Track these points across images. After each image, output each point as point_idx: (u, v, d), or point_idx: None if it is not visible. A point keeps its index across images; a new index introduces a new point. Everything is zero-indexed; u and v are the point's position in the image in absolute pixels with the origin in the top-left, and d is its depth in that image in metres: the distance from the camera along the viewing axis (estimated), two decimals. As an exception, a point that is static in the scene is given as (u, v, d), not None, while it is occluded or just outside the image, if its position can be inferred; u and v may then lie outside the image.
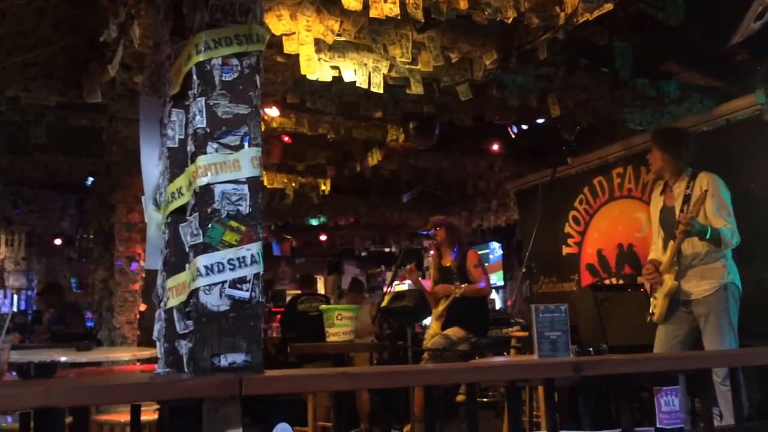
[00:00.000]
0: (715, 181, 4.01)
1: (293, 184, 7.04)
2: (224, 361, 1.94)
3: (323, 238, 10.84)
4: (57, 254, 11.64)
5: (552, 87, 4.94)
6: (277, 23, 3.84)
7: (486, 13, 3.71)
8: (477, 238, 11.58)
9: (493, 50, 4.28)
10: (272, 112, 5.15)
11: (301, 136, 5.82)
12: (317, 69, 4.11)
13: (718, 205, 3.97)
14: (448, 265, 5.71)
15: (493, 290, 10.90)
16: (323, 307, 5.69)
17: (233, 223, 2.01)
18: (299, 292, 8.56)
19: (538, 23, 3.84)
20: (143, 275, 6.12)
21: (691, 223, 3.81)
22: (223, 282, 1.97)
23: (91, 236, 7.21)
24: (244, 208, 2.03)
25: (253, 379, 1.85)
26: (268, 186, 6.99)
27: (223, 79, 2.05)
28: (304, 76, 4.29)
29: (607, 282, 6.15)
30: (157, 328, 2.16)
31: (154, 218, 2.24)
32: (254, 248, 2.03)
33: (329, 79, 4.35)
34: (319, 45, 4.05)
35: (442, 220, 5.90)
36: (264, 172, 6.83)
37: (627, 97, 5.21)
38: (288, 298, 10.82)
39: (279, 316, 9.28)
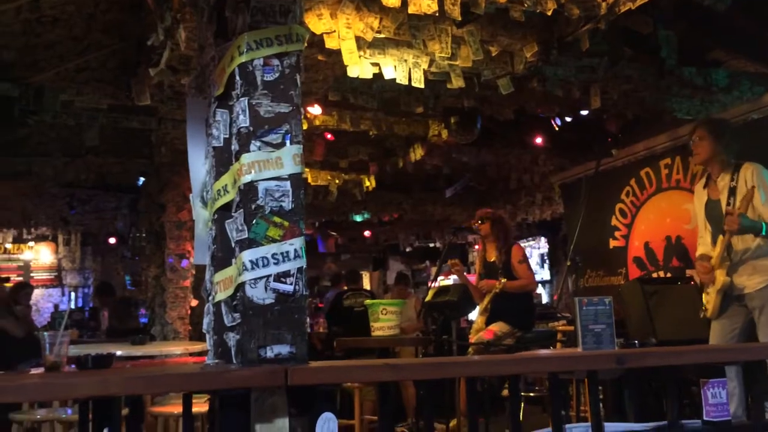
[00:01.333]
0: (760, 171, 3.92)
1: (336, 181, 7.11)
2: (270, 352, 2.00)
3: (367, 234, 10.91)
4: (111, 253, 12.01)
5: (595, 78, 4.89)
6: (317, 22, 3.90)
7: (526, 5, 3.70)
8: (523, 233, 11.50)
9: (533, 42, 4.26)
10: (314, 110, 5.22)
11: (343, 133, 5.89)
12: (359, 62, 4.15)
13: (766, 196, 3.88)
14: (492, 260, 5.69)
15: (540, 285, 10.82)
16: (368, 301, 5.74)
17: (276, 219, 2.06)
18: (345, 287, 8.64)
19: (579, 14, 3.81)
20: (193, 272, 6.28)
21: (737, 221, 3.74)
22: (268, 276, 2.04)
23: (144, 235, 7.44)
24: (287, 204, 2.09)
25: (299, 370, 1.91)
26: (312, 183, 7.08)
27: (265, 78, 2.11)
28: (345, 73, 4.35)
29: (654, 275, 6.05)
30: (207, 321, 2.23)
31: (201, 215, 2.32)
32: (297, 243, 2.08)
33: (370, 75, 4.39)
34: (359, 42, 4.10)
35: (489, 214, 5.82)
36: (308, 170, 7.01)
37: (673, 87, 5.11)
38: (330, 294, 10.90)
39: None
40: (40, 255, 11.81)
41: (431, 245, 11.89)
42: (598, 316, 3.03)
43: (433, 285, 5.86)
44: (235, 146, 2.14)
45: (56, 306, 10.48)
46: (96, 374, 1.85)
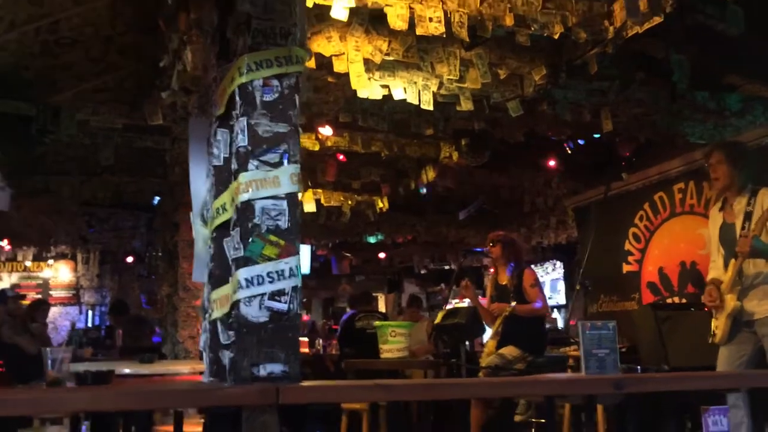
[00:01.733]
0: None
1: (349, 202, 7.14)
2: (263, 371, 2.01)
3: (382, 255, 10.91)
4: (129, 272, 12.12)
5: (606, 101, 4.89)
6: (326, 45, 3.96)
7: (533, 28, 3.72)
8: (537, 256, 11.42)
9: (542, 65, 4.28)
10: (326, 131, 5.27)
11: (355, 154, 5.92)
12: (367, 86, 4.20)
13: None
14: (504, 283, 5.65)
15: (555, 309, 10.72)
16: (377, 323, 5.73)
17: (273, 238, 2.08)
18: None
19: (586, 38, 3.82)
20: (205, 291, 6.31)
21: (749, 243, 3.69)
22: (263, 294, 2.05)
23: (159, 254, 7.51)
24: (283, 222, 2.11)
25: (290, 389, 1.91)
26: (325, 204, 7.12)
27: (264, 99, 2.15)
28: (356, 95, 4.39)
29: (669, 301, 5.97)
30: (203, 339, 2.25)
31: (201, 233, 2.34)
32: (293, 262, 2.10)
33: (379, 97, 4.44)
34: (369, 64, 4.15)
35: (500, 237, 5.79)
36: (320, 191, 7.05)
37: (685, 111, 5.09)
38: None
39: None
40: (59, 273, 11.95)
41: (446, 267, 11.84)
42: (601, 340, 3.00)
43: (446, 308, 5.83)
44: (234, 165, 2.17)
45: (73, 324, 10.57)
46: (90, 390, 1.87)
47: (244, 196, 2.09)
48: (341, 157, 6.22)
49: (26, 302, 8.84)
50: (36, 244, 10.02)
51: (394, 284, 13.07)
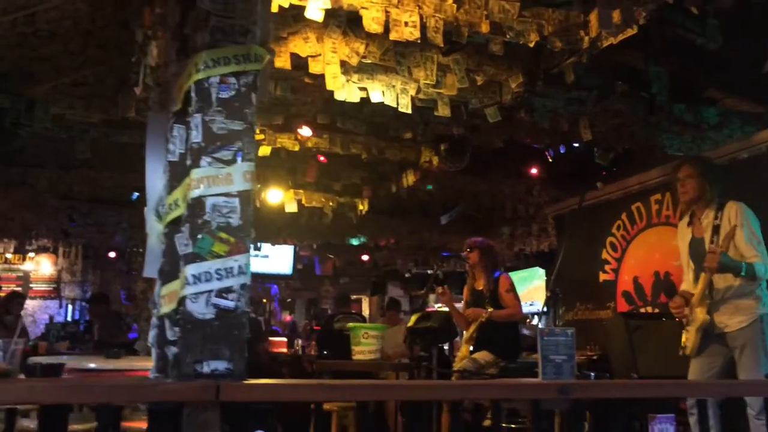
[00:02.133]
0: (744, 210, 3.91)
1: (331, 204, 7.14)
2: (207, 367, 2.00)
3: (365, 258, 10.90)
4: (110, 267, 12.06)
5: (584, 111, 4.90)
6: (303, 45, 3.96)
7: (508, 36, 3.73)
8: (521, 263, 11.44)
9: (519, 73, 4.29)
10: (305, 132, 5.27)
11: (336, 156, 5.92)
12: (344, 87, 4.20)
13: (748, 235, 3.87)
14: (480, 288, 5.66)
15: (536, 316, 10.72)
16: (350, 324, 5.73)
17: (222, 235, 2.08)
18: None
19: (562, 47, 3.83)
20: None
21: (717, 260, 3.72)
22: (210, 291, 2.04)
23: (140, 250, 7.47)
24: (235, 220, 2.11)
25: (231, 386, 1.90)
26: (306, 204, 7.12)
27: (220, 96, 2.14)
28: (334, 97, 4.40)
29: (642, 310, 6.00)
30: (152, 334, 2.24)
31: (155, 229, 2.34)
32: (242, 259, 2.09)
33: (357, 99, 4.44)
34: (347, 67, 4.15)
35: (477, 243, 5.82)
36: (301, 191, 7.03)
37: (663, 123, 5.12)
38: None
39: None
40: (41, 266, 11.89)
41: (429, 272, 11.85)
42: (559, 347, 3.01)
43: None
44: (188, 161, 2.17)
45: (51, 318, 10.50)
46: (25, 381, 1.86)
47: (195, 193, 2.08)
48: (322, 158, 6.21)
49: (2, 294, 8.79)
50: (17, 237, 9.95)
51: (378, 287, 13.06)
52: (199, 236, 2.06)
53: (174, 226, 2.19)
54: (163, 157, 2.34)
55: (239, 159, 2.14)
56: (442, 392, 2.03)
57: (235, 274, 2.07)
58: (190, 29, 2.22)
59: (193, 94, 2.15)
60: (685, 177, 4.11)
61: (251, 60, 2.18)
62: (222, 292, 2.05)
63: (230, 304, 2.05)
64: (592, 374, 2.67)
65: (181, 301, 2.05)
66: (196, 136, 2.11)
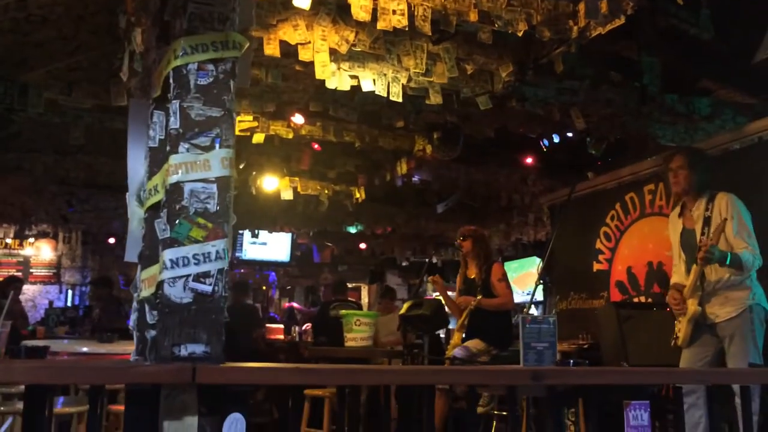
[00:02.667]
0: (734, 202, 3.92)
1: (326, 191, 7.16)
2: (184, 351, 2.03)
3: (363, 246, 10.94)
4: (110, 252, 12.11)
5: (575, 100, 4.91)
6: (293, 33, 3.97)
7: (497, 25, 3.74)
8: (518, 252, 11.47)
9: (509, 62, 4.29)
10: (297, 119, 5.28)
11: (330, 143, 5.94)
12: (335, 75, 4.21)
13: (738, 227, 3.88)
14: (473, 277, 5.70)
15: (533, 305, 10.77)
16: (343, 312, 5.77)
17: (200, 220, 2.11)
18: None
19: (551, 36, 3.84)
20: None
21: (711, 251, 3.74)
22: (188, 275, 2.07)
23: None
24: (212, 206, 2.13)
25: (207, 368, 1.94)
26: (302, 192, 7.14)
27: (199, 83, 2.16)
28: (325, 84, 4.41)
29: (636, 300, 6.03)
30: (133, 318, 2.28)
31: (136, 213, 2.37)
32: (220, 245, 2.12)
33: (347, 88, 4.45)
34: (337, 55, 4.16)
35: (470, 231, 5.85)
36: (297, 179, 7.05)
37: (655, 113, 5.12)
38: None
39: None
40: (41, 252, 11.95)
41: (427, 260, 11.87)
42: (541, 334, 3.04)
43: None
44: (167, 147, 2.19)
45: (51, 302, 10.57)
46: (9, 363, 1.89)
47: (173, 178, 2.11)
48: (316, 146, 6.23)
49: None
50: (16, 222, 10.00)
51: (377, 275, 13.11)
52: (177, 221, 2.09)
53: (154, 211, 2.22)
54: (144, 142, 2.37)
55: (217, 145, 2.16)
56: (417, 377, 2.06)
57: (213, 259, 2.10)
58: (170, 16, 2.24)
59: (171, 81, 2.17)
60: (677, 168, 4.12)
61: (229, 47, 2.20)
62: (199, 277, 2.08)
63: (207, 288, 2.08)
64: (571, 361, 2.70)
65: (160, 286, 2.08)
66: (175, 123, 2.14)
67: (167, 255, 2.07)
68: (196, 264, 2.08)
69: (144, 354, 2.16)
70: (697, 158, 4.17)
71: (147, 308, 2.17)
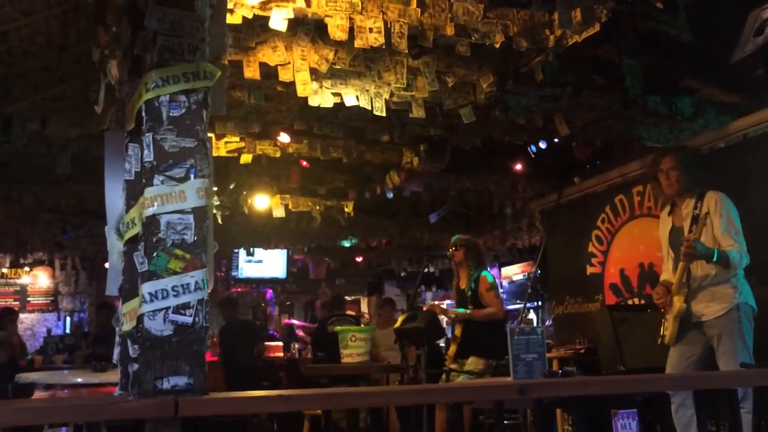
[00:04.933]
0: (723, 200, 3.93)
1: (318, 207, 7.17)
2: (167, 383, 2.03)
3: (359, 259, 10.93)
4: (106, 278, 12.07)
5: (558, 107, 4.93)
6: (272, 54, 3.98)
7: (473, 38, 3.76)
8: (515, 258, 11.47)
9: (489, 73, 4.31)
10: (283, 138, 5.29)
11: (318, 160, 5.95)
12: (314, 95, 4.23)
13: (726, 224, 3.88)
14: (463, 287, 5.69)
15: (531, 311, 10.75)
16: (338, 328, 5.77)
17: (178, 252, 2.11)
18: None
19: (528, 46, 3.86)
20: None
21: (693, 246, 3.74)
22: (167, 308, 2.07)
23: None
24: (189, 237, 2.14)
25: (190, 401, 1.94)
26: (293, 209, 7.15)
27: (171, 114, 2.17)
28: (308, 103, 4.42)
29: (630, 302, 6.03)
30: (117, 352, 2.27)
31: (116, 247, 2.37)
32: (198, 275, 2.12)
33: (330, 104, 4.46)
34: (317, 73, 4.17)
35: (462, 241, 5.82)
36: (287, 196, 7.06)
37: (638, 115, 5.14)
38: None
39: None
40: (38, 280, 11.93)
41: (425, 270, 11.87)
42: (530, 345, 3.04)
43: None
44: (143, 180, 2.20)
45: (49, 330, 10.55)
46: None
47: (149, 211, 2.11)
48: (305, 163, 6.24)
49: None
50: (12, 251, 9.99)
51: (375, 287, 13.10)
52: (155, 254, 2.09)
53: (132, 244, 2.23)
54: (121, 175, 2.37)
55: (192, 176, 2.17)
56: (402, 398, 2.06)
57: (192, 290, 2.10)
58: (139, 49, 2.25)
59: (144, 114, 2.18)
60: (668, 169, 4.10)
61: (201, 77, 2.21)
62: (179, 309, 2.08)
63: (188, 319, 2.08)
64: (560, 371, 2.70)
65: (140, 319, 2.08)
66: (149, 155, 2.14)
67: (146, 288, 2.07)
68: (175, 296, 2.08)
69: (127, 388, 2.15)
70: (689, 157, 4.16)
71: (129, 342, 2.17)
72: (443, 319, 6.39)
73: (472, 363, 5.35)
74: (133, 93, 2.28)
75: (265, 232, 8.42)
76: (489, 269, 5.89)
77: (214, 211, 6.08)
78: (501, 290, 8.99)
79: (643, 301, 5.83)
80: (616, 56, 5.13)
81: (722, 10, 4.47)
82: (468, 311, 5.43)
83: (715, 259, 3.76)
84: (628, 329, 5.01)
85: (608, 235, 6.36)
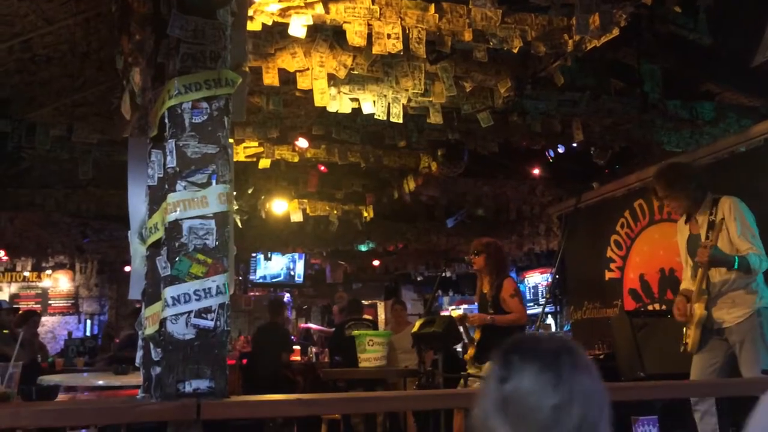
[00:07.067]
0: (736, 204, 3.90)
1: (335, 212, 7.20)
2: (189, 387, 2.06)
3: (376, 263, 10.95)
4: (127, 281, 12.18)
5: (577, 112, 4.91)
6: (291, 60, 4.02)
7: (491, 43, 3.76)
8: (533, 263, 11.43)
9: (507, 78, 4.31)
10: (302, 143, 5.33)
11: (336, 165, 5.98)
12: (332, 101, 4.26)
13: (741, 228, 3.85)
14: (485, 292, 5.65)
15: (549, 316, 10.70)
16: (355, 332, 5.78)
17: (200, 256, 2.14)
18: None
19: (546, 51, 3.85)
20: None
21: (707, 254, 3.71)
22: (189, 312, 2.10)
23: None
24: (211, 241, 2.16)
25: (211, 404, 1.96)
26: (311, 214, 7.18)
27: (193, 121, 2.20)
28: (326, 108, 4.45)
29: (650, 307, 5.98)
30: (139, 355, 2.30)
31: (138, 251, 2.40)
32: (220, 279, 2.15)
33: (348, 110, 4.49)
34: (337, 79, 4.20)
35: (482, 246, 5.74)
36: (305, 200, 7.10)
37: (657, 120, 5.11)
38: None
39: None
40: (59, 283, 12.08)
41: (442, 274, 11.86)
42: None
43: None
44: (165, 186, 2.23)
45: (70, 333, 10.67)
46: (11, 406, 1.93)
47: (171, 216, 2.14)
48: (323, 168, 6.27)
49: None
50: (33, 254, 10.13)
51: (392, 291, 13.10)
52: (177, 259, 2.12)
53: (155, 248, 2.26)
54: (144, 181, 2.41)
55: (214, 181, 2.19)
56: (421, 403, 2.07)
57: (214, 295, 2.13)
58: (163, 57, 2.28)
59: (167, 120, 2.21)
60: (663, 197, 4.10)
61: (222, 84, 2.24)
62: (201, 313, 2.11)
63: (210, 324, 2.11)
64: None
65: (162, 323, 2.11)
66: (171, 161, 2.18)
67: (168, 292, 2.10)
68: (197, 300, 2.11)
69: (150, 391, 2.18)
70: (681, 181, 4.00)
71: (151, 346, 2.19)
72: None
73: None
74: (155, 100, 2.31)
75: (282, 237, 8.47)
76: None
77: (234, 216, 6.13)
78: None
79: (664, 307, 5.77)
80: (635, 60, 5.11)
81: (742, 13, 4.44)
82: (488, 317, 5.40)
83: (736, 266, 3.73)
84: (648, 335, 4.97)
85: (627, 240, 6.32)
